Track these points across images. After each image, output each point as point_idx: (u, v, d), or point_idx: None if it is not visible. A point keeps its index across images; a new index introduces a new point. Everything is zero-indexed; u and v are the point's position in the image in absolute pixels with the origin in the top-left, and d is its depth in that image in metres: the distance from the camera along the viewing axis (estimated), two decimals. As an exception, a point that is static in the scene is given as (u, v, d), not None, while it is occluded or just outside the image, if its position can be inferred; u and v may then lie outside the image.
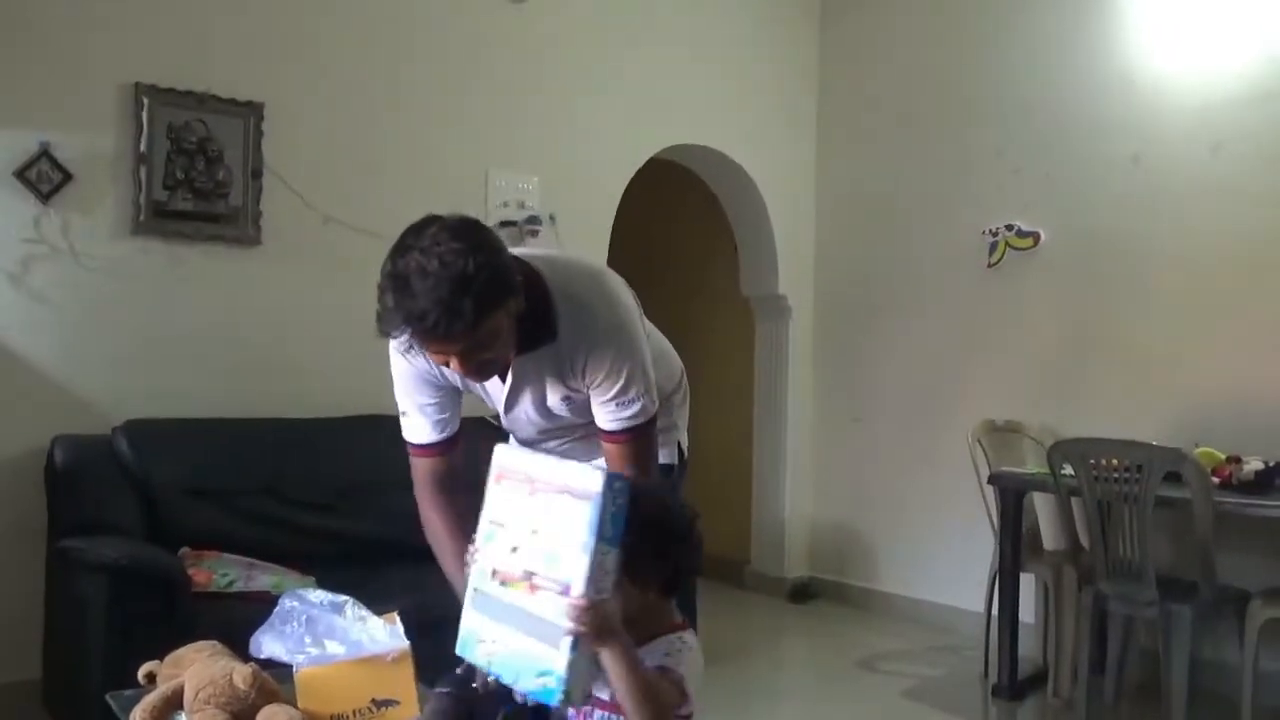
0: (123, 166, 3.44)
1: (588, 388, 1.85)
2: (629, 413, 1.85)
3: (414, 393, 1.90)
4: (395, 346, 1.77)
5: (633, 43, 4.71)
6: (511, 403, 1.91)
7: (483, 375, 1.78)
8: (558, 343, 1.80)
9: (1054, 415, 4.29)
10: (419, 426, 1.91)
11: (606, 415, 1.86)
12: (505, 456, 1.46)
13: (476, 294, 1.54)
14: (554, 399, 1.89)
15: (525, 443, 2.10)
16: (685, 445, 2.27)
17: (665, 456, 2.09)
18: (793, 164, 5.34)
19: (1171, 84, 4.08)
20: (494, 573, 1.37)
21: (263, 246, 3.70)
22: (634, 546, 1.35)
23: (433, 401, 1.90)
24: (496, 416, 2.05)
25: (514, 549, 1.35)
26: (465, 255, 1.54)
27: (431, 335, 1.56)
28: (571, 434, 2.01)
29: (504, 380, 1.87)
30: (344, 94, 3.89)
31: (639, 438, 1.87)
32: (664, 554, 1.46)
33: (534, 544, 1.33)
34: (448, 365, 1.68)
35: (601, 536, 1.28)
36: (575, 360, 1.82)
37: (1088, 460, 3.29)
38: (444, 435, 1.91)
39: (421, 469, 1.94)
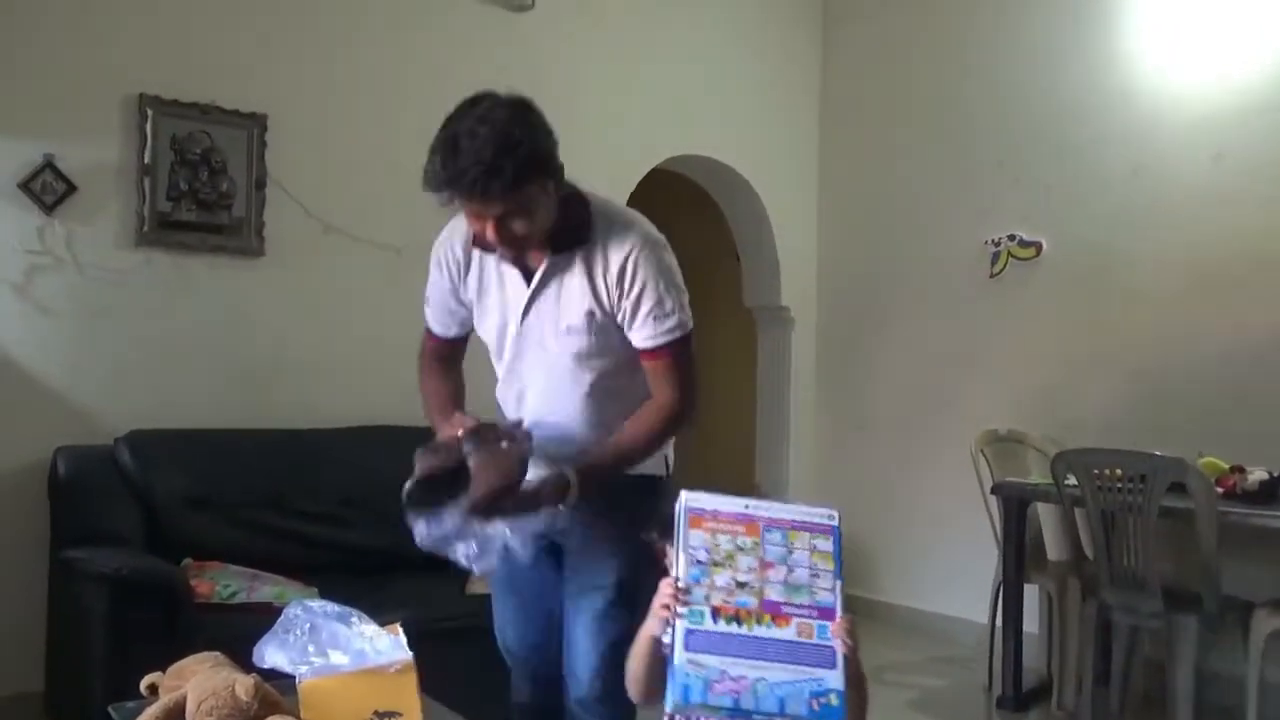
0: (126, 178, 3.45)
1: (621, 298, 1.89)
2: (667, 325, 1.90)
3: (437, 299, 2.10)
4: (440, 233, 2.00)
5: (634, 53, 4.73)
6: (529, 308, 1.94)
7: (515, 249, 1.85)
8: (591, 245, 1.88)
9: (1057, 425, 4.28)
10: (433, 319, 2.14)
11: (645, 331, 1.91)
12: (699, 501, 1.48)
13: (520, 159, 1.67)
14: (577, 314, 1.91)
15: (513, 405, 2.07)
16: (671, 459, 2.21)
17: (653, 468, 2.07)
18: (795, 174, 5.35)
19: (1172, 95, 4.09)
20: (715, 612, 1.41)
21: (266, 257, 3.71)
22: None
23: (450, 309, 2.09)
24: (498, 424, 2.04)
25: (741, 584, 1.42)
26: (514, 124, 1.70)
27: (471, 192, 1.69)
28: (567, 385, 2.00)
29: (528, 284, 1.93)
30: (347, 105, 3.90)
31: (678, 354, 1.93)
32: None
33: (768, 576, 1.42)
34: (484, 233, 1.79)
35: (841, 565, 1.44)
36: (610, 264, 1.88)
37: (1091, 470, 3.28)
38: (449, 335, 2.14)
39: (428, 346, 2.17)
